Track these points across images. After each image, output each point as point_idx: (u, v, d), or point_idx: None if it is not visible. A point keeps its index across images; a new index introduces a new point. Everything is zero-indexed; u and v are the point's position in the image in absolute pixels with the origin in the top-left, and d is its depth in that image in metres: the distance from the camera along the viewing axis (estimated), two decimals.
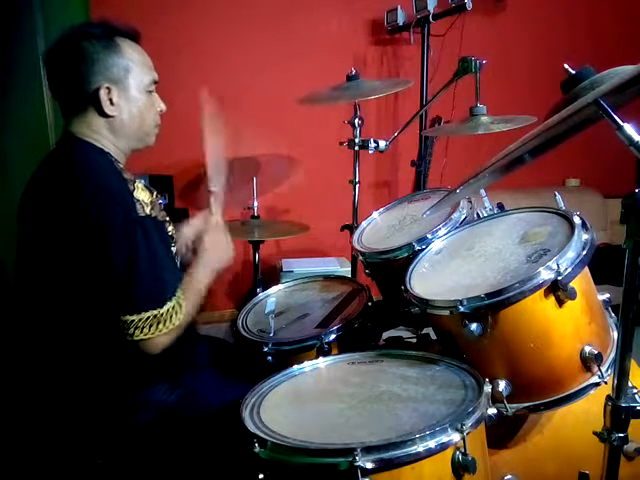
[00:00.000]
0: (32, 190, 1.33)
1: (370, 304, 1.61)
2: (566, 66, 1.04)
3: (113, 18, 1.34)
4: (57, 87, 1.33)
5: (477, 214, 1.58)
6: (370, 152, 2.31)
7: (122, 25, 1.34)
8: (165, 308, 1.21)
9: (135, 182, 1.30)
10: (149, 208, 1.26)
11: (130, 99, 1.32)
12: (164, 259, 1.27)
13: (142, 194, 1.28)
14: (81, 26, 1.32)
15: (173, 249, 1.40)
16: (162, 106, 1.40)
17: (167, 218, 1.39)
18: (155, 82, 1.37)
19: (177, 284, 1.28)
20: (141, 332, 1.19)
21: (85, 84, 1.27)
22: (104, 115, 1.30)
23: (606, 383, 1.15)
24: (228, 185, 1.52)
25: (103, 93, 1.28)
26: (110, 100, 1.29)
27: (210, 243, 1.43)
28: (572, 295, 1.10)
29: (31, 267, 1.33)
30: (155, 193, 1.37)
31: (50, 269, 1.27)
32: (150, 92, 1.36)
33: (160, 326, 1.21)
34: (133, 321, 1.18)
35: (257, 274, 2.73)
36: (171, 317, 1.22)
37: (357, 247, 1.71)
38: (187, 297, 1.28)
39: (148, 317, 1.19)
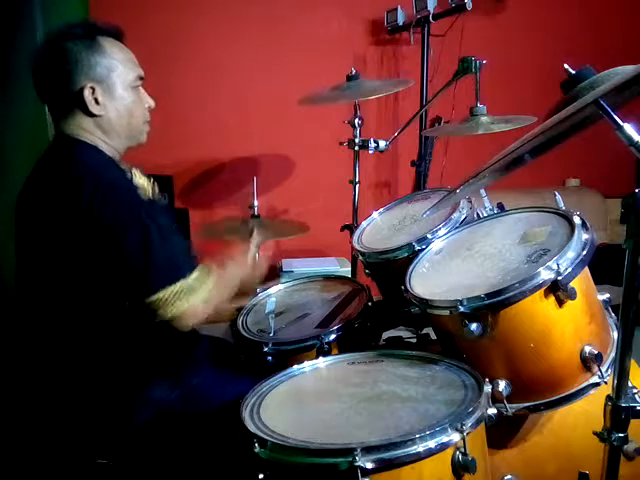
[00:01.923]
0: (29, 191, 1.33)
1: (370, 304, 1.60)
2: (566, 66, 1.04)
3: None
4: (44, 90, 1.33)
5: (477, 214, 1.57)
6: (370, 152, 2.31)
7: (104, 24, 1.34)
8: (192, 276, 1.22)
9: (132, 169, 1.32)
10: (150, 193, 1.28)
11: (116, 97, 1.32)
12: (174, 235, 1.28)
13: (141, 180, 1.30)
14: (63, 27, 1.32)
15: None
16: (150, 102, 1.40)
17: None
18: (141, 78, 1.37)
19: (194, 257, 1.29)
20: (174, 306, 1.19)
21: (70, 85, 1.28)
22: (91, 115, 1.31)
23: (606, 383, 1.15)
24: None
25: (87, 93, 1.28)
26: (95, 100, 1.29)
27: (243, 255, 1.49)
28: (572, 295, 1.10)
29: (31, 267, 1.33)
30: (152, 179, 1.39)
31: (52, 268, 1.26)
32: (136, 88, 1.36)
33: (191, 297, 1.20)
34: (161, 299, 1.18)
35: None
36: (200, 286, 1.22)
37: (357, 247, 1.71)
38: (219, 275, 1.29)
39: (176, 291, 1.19)
